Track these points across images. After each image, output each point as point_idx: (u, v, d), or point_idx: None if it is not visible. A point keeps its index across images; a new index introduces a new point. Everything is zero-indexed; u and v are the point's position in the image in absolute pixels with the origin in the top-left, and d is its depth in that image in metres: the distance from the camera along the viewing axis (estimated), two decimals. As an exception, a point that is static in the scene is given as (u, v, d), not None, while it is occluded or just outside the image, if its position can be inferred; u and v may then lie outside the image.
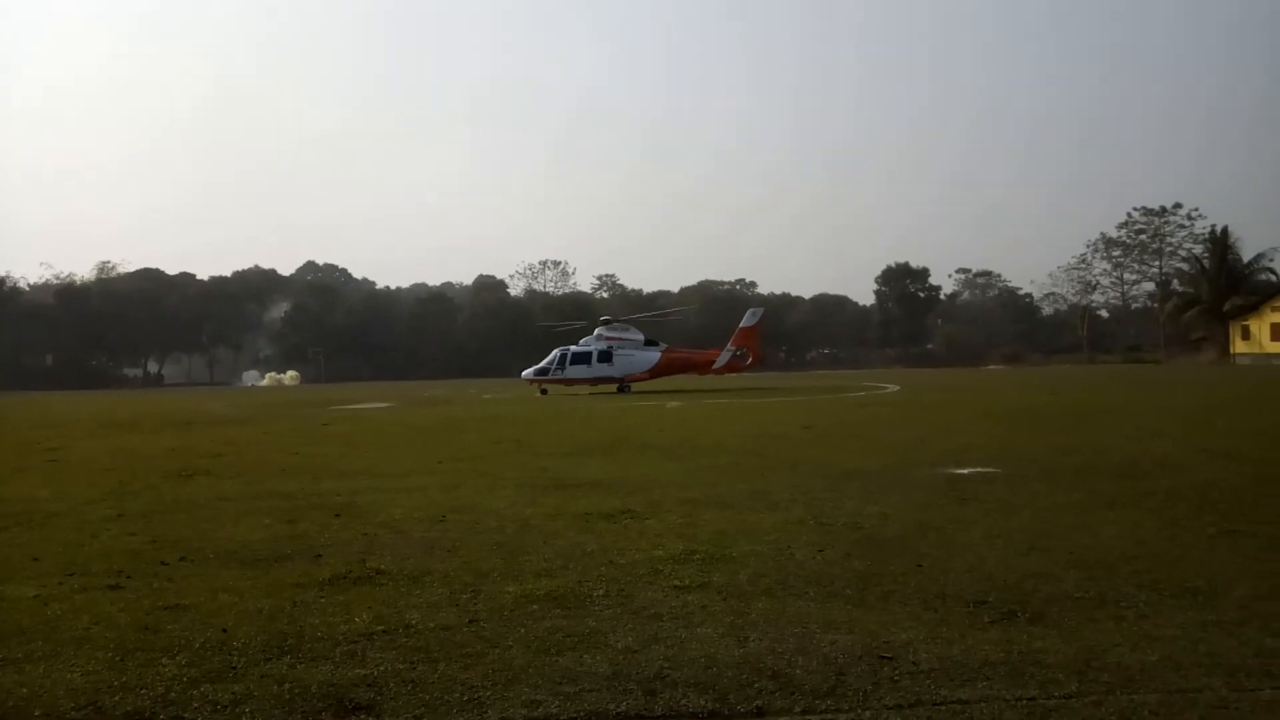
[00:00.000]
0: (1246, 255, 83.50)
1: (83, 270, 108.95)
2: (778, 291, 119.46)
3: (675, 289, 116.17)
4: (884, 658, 4.66)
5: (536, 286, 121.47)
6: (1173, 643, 4.77)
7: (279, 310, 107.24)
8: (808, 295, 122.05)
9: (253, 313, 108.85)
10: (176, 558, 7.42)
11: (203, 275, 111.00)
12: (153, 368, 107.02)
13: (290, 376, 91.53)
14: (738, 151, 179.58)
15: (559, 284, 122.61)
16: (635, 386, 43.29)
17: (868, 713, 4.01)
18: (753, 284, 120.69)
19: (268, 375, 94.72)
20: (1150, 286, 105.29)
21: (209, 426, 25.15)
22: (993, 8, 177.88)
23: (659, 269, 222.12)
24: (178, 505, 10.27)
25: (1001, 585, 5.98)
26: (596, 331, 44.31)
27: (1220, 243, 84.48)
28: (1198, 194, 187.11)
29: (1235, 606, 5.37)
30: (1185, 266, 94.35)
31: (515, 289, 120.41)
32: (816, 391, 39.39)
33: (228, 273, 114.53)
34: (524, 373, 44.84)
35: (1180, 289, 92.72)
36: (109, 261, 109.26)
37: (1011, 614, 5.35)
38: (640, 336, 44.80)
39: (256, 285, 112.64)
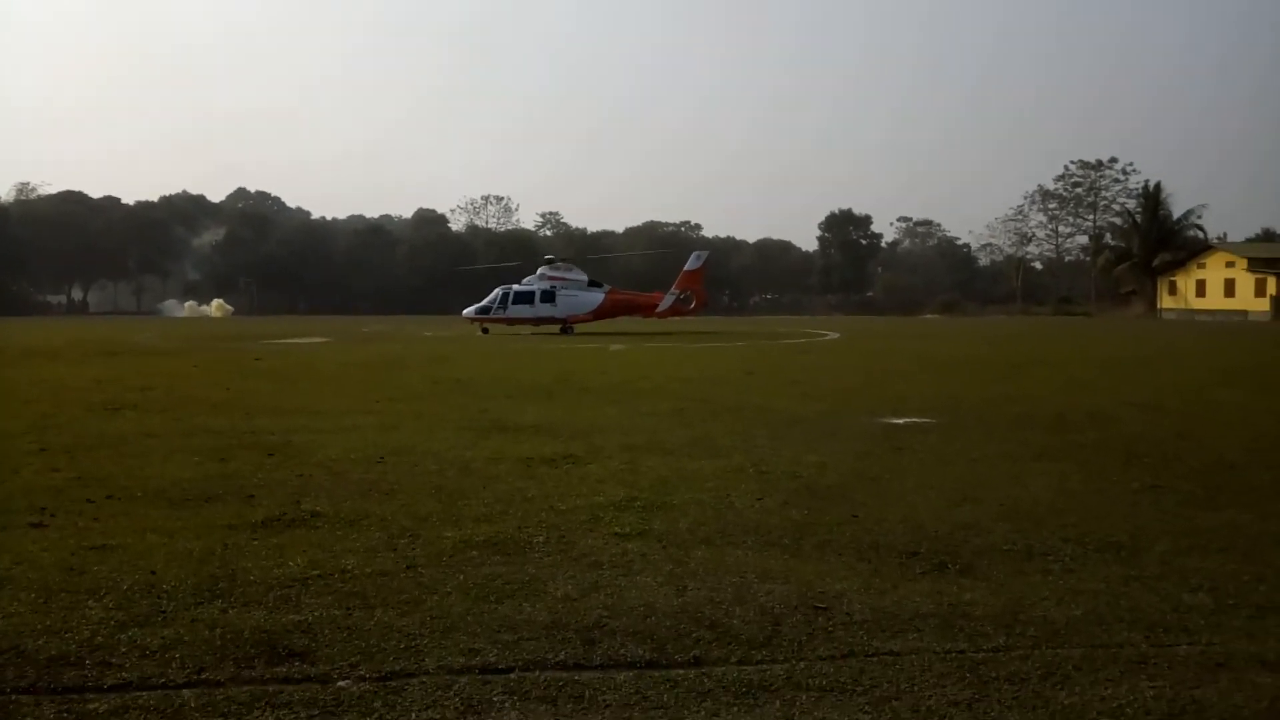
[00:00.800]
0: (1177, 212, 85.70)
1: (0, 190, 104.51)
2: (722, 235, 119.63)
3: (620, 229, 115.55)
4: (819, 608, 4.73)
5: (479, 222, 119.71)
6: (1096, 597, 4.92)
7: (211, 237, 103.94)
8: (751, 240, 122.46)
9: (181, 239, 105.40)
10: (103, 495, 7.22)
11: (128, 199, 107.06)
12: (77, 295, 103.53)
13: (216, 306, 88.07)
14: (680, 87, 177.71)
15: (501, 220, 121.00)
16: (578, 328, 43.13)
17: (802, 664, 4.07)
18: (697, 226, 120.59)
19: (187, 304, 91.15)
20: (1084, 240, 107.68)
21: (136, 358, 24.46)
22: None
23: (604, 209, 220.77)
24: (104, 440, 9.98)
25: (933, 536, 6.11)
26: (540, 271, 43.94)
27: (1153, 198, 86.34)
28: (1134, 149, 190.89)
29: (1156, 561, 5.56)
30: (1118, 221, 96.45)
31: (457, 224, 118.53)
32: (758, 337, 39.72)
33: (154, 197, 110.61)
34: (465, 311, 44.38)
35: (1112, 243, 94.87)
36: (29, 183, 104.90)
37: (942, 565, 5.47)
38: (584, 277, 44.56)
39: (185, 211, 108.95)
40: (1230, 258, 73.85)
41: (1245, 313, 68.19)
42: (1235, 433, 10.94)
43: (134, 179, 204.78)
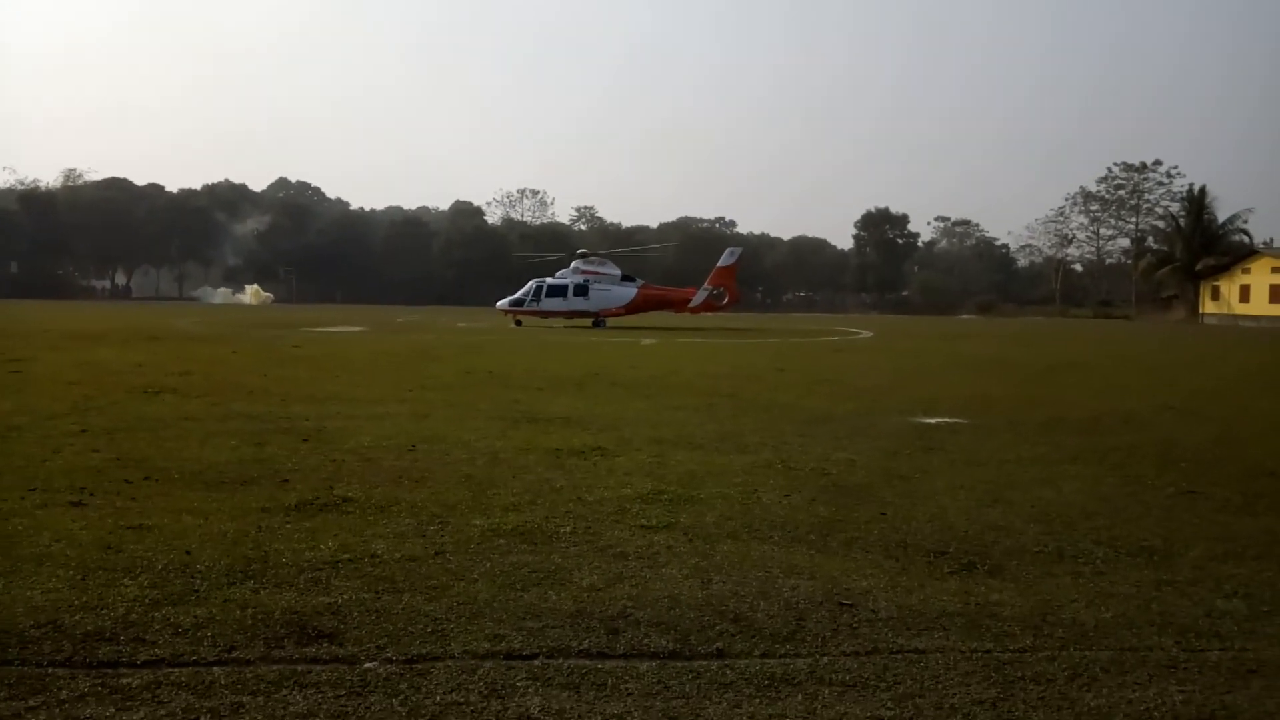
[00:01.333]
0: (1222, 215, 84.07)
1: (48, 176, 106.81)
2: (757, 232, 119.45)
3: (654, 224, 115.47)
4: (844, 604, 4.72)
5: (514, 215, 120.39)
6: (1127, 600, 4.86)
7: (254, 225, 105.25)
8: (786, 237, 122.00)
9: (223, 227, 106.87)
10: (140, 477, 7.35)
11: (171, 187, 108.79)
12: (120, 279, 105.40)
13: (252, 293, 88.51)
14: (723, 90, 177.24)
15: (537, 213, 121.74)
16: (611, 322, 43.20)
17: (825, 658, 4.07)
18: (732, 223, 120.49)
19: (220, 291, 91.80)
20: (1125, 243, 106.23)
21: (177, 343, 24.86)
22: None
23: (638, 204, 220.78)
24: (143, 423, 10.16)
25: (963, 536, 6.06)
26: (573, 265, 44.04)
27: (1197, 202, 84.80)
28: (1179, 152, 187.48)
29: (1189, 567, 5.48)
30: (1161, 224, 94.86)
31: (492, 216, 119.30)
32: (791, 334, 39.54)
33: (197, 185, 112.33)
34: (499, 303, 44.64)
35: (1155, 246, 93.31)
36: (75, 169, 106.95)
37: (971, 565, 5.44)
38: (617, 271, 44.59)
39: (227, 199, 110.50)
40: (1276, 263, 72.30)
41: (1291, 319, 66.80)
42: (1275, 439, 10.74)
43: (179, 169, 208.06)
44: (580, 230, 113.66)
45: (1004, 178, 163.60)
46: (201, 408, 11.48)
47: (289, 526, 5.99)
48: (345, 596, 4.69)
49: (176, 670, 3.83)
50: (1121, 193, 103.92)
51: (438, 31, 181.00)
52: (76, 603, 4.51)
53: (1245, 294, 73.76)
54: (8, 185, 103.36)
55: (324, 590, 4.78)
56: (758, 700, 3.66)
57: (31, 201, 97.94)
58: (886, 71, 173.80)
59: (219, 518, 6.15)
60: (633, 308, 44.16)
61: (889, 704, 3.63)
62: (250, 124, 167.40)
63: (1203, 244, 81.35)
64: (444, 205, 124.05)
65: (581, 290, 42.84)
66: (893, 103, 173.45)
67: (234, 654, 3.99)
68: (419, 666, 3.91)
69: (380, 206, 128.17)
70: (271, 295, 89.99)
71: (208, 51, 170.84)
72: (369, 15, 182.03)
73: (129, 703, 3.55)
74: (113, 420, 10.30)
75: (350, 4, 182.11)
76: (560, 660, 4.01)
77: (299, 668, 3.87)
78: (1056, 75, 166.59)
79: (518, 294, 43.60)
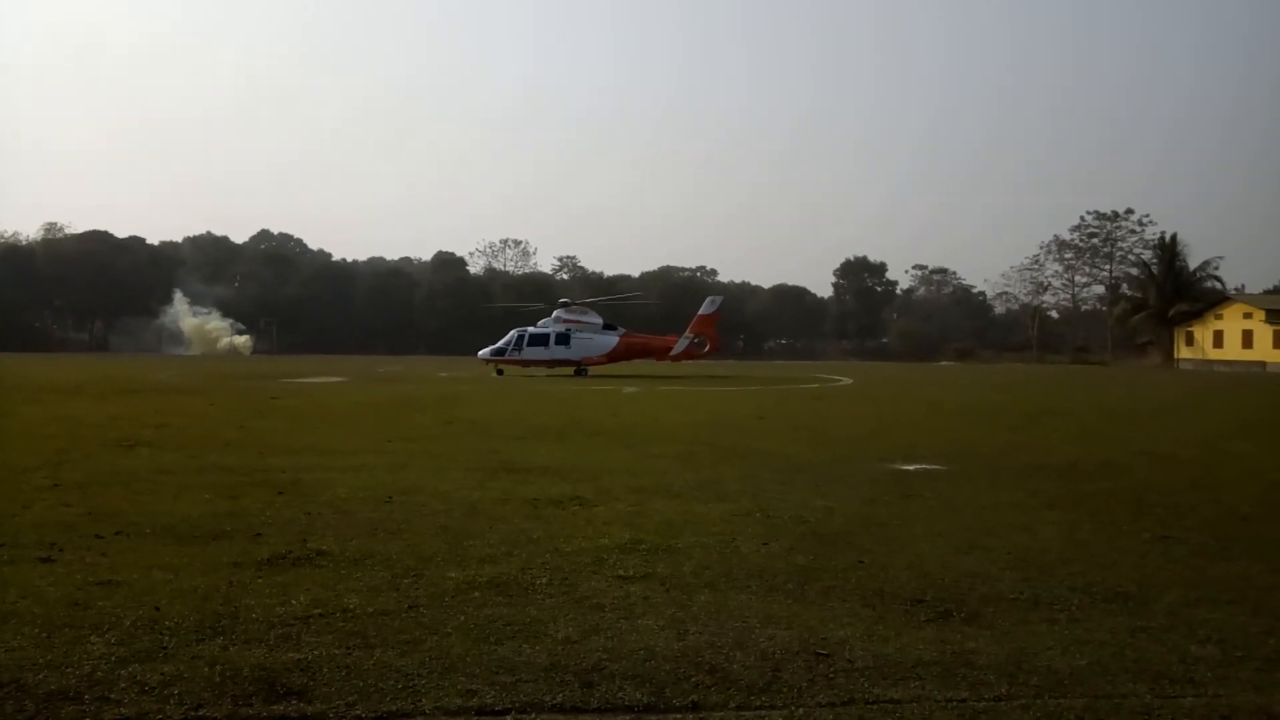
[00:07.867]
0: (1194, 263, 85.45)
1: (28, 229, 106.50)
2: (738, 280, 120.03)
3: (636, 273, 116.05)
4: (820, 654, 4.70)
5: (496, 265, 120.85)
6: (1102, 647, 4.86)
7: (232, 279, 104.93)
8: (767, 285, 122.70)
9: (204, 279, 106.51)
10: (112, 531, 7.27)
11: (153, 239, 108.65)
12: (99, 332, 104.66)
13: (199, 331, 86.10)
14: (696, 134, 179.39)
15: (519, 264, 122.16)
16: (592, 370, 43.22)
17: (801, 710, 4.04)
18: (713, 271, 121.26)
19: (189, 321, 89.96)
20: (1100, 289, 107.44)
21: (154, 395, 24.67)
22: (956, 6, 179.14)
23: (620, 254, 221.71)
24: (116, 477, 10.05)
25: (939, 584, 6.06)
26: (555, 314, 44.15)
27: (1169, 249, 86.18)
28: (1151, 200, 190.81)
29: (1164, 613, 5.50)
30: (1134, 271, 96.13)
31: (475, 267, 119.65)
32: (771, 382, 39.65)
33: (178, 238, 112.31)
34: (480, 352, 44.61)
35: (1129, 293, 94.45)
36: (56, 223, 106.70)
37: (947, 613, 5.43)
38: (599, 320, 44.69)
39: (208, 251, 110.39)
40: (1248, 309, 73.33)
41: (1263, 364, 67.59)
42: (1249, 484, 10.83)
43: (159, 221, 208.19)
44: (563, 279, 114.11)
45: (979, 225, 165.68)
46: (177, 460, 11.38)
47: (260, 581, 5.92)
48: (316, 652, 4.63)
49: (141, 730, 3.76)
50: (1095, 240, 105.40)
51: (417, 85, 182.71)
52: (41, 661, 4.43)
53: (1219, 339, 74.68)
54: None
55: (294, 646, 4.72)
56: (732, 753, 3.62)
57: (11, 255, 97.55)
58: (861, 118, 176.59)
59: (190, 573, 6.08)
60: (614, 356, 44.21)
61: (864, 755, 3.61)
62: (231, 175, 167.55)
63: (1175, 290, 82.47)
64: (427, 256, 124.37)
65: (563, 339, 42.91)
66: (870, 148, 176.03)
67: (201, 712, 3.92)
68: (389, 723, 3.85)
69: (363, 258, 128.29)
70: (225, 324, 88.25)
71: (187, 106, 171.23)
72: (354, 82, 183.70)
73: (91, 764, 3.48)
74: (86, 474, 10.19)
75: (331, 69, 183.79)
76: (533, 715, 3.97)
77: (266, 726, 3.80)
78: (1021, 121, 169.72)
79: (499, 343, 43.59)
